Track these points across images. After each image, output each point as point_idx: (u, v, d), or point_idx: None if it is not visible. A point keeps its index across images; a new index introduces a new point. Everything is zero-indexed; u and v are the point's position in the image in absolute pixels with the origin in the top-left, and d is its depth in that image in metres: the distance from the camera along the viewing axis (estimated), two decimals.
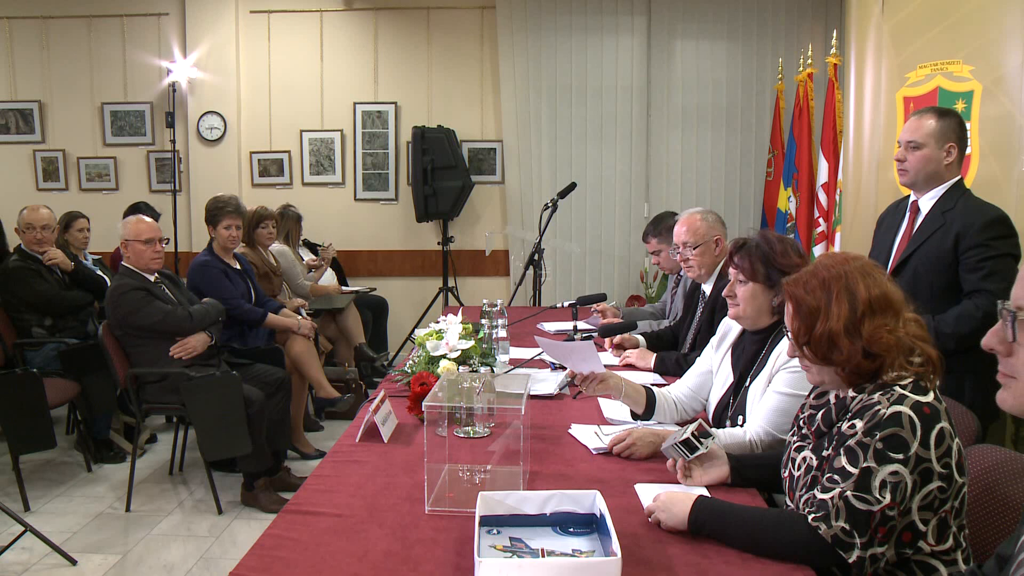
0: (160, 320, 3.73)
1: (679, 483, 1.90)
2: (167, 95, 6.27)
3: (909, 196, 2.96)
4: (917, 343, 1.59)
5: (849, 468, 1.51)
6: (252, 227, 4.79)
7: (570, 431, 2.33)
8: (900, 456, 1.48)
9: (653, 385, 2.54)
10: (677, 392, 2.54)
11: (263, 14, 6.41)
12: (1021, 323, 1.07)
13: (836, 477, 1.53)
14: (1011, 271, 2.57)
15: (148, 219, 3.93)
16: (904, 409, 1.51)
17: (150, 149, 6.54)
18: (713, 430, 1.95)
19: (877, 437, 1.50)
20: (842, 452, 1.55)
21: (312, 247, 6.08)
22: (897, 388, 1.55)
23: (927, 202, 2.83)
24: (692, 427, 1.87)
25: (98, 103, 6.52)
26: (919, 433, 1.48)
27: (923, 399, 1.53)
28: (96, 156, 6.56)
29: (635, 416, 2.45)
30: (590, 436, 2.26)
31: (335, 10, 6.41)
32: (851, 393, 1.64)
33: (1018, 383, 1.09)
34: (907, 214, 2.92)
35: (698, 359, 2.62)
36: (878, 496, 1.47)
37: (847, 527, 1.48)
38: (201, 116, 6.38)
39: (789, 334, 1.70)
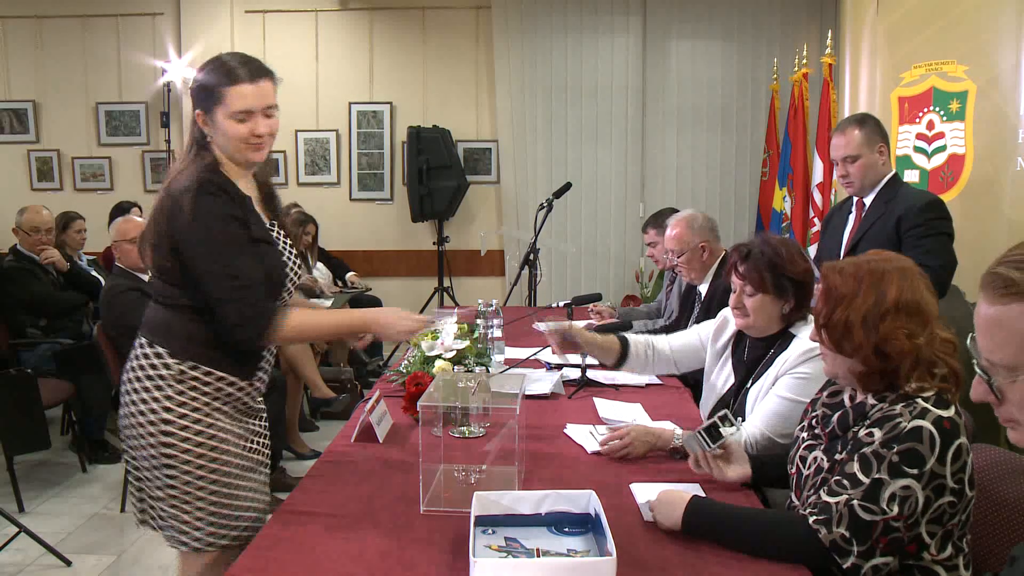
0: None
1: (674, 482, 1.89)
2: (162, 95, 6.26)
3: (851, 197, 3.15)
4: (942, 357, 1.57)
5: (860, 476, 1.50)
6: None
7: (565, 431, 2.33)
8: (915, 471, 1.46)
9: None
10: (660, 344, 2.58)
11: (258, 14, 6.40)
12: (1000, 386, 1.05)
13: (845, 483, 1.51)
14: (947, 249, 2.85)
15: (136, 218, 3.92)
16: (926, 424, 1.49)
17: (145, 149, 6.53)
18: (737, 420, 1.91)
19: (895, 450, 1.48)
20: (856, 459, 1.53)
21: (329, 260, 5.94)
22: (920, 401, 1.53)
23: (870, 197, 3.05)
24: (715, 417, 1.86)
25: (92, 103, 6.51)
26: (937, 449, 1.47)
27: (944, 413, 1.51)
28: (91, 156, 6.55)
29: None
30: (585, 436, 2.26)
31: (330, 10, 6.40)
32: (871, 400, 1.62)
33: (1023, 427, 1.08)
34: (853, 211, 3.13)
35: (688, 331, 2.65)
36: (885, 508, 1.46)
37: (847, 534, 1.47)
38: None
39: (812, 315, 1.71)
